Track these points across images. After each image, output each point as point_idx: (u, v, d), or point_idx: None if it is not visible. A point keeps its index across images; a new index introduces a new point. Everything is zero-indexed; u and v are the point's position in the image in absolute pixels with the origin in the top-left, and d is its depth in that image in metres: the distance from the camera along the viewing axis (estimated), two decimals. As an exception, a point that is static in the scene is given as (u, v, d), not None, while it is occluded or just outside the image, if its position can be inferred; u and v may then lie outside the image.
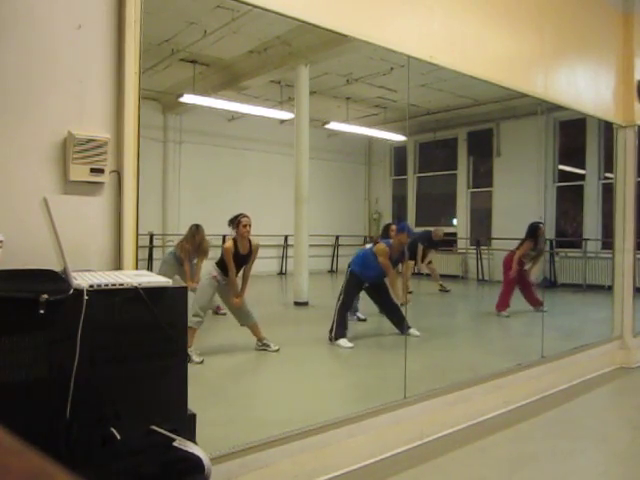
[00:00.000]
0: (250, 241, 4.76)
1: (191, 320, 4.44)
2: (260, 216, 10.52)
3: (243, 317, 4.83)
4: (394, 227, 5.98)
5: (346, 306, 5.29)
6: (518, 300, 6.68)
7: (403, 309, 5.29)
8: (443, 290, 9.01)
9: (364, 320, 6.16)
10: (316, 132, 9.92)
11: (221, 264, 4.73)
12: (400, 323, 5.15)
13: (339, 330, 5.12)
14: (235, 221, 4.74)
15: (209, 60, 8.54)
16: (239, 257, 4.72)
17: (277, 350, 4.85)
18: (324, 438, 2.69)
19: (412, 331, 5.26)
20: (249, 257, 4.78)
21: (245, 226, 4.67)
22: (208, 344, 4.86)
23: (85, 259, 2.02)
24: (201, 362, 4.40)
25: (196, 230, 5.86)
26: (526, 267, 6.75)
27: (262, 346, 4.88)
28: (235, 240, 4.72)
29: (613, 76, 5.01)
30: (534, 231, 6.65)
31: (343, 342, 5.06)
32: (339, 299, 5.27)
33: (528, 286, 6.74)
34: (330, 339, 5.14)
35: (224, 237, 4.87)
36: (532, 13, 4.11)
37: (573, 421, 3.60)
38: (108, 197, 2.11)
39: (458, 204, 12.15)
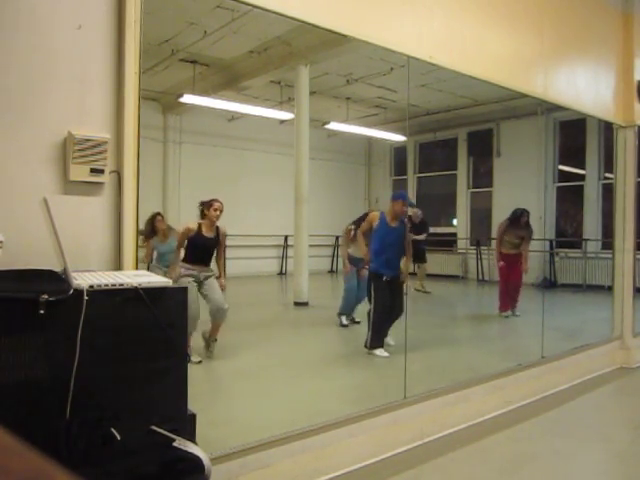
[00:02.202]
0: (218, 227, 4.56)
1: None
2: (260, 216, 10.60)
3: (219, 309, 4.47)
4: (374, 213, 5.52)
5: (379, 312, 4.82)
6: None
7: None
8: (422, 291, 8.61)
9: (358, 323, 6.03)
10: (316, 132, 9.92)
11: (188, 255, 4.53)
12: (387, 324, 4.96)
13: (375, 340, 4.77)
14: (207, 204, 4.54)
15: (209, 60, 8.54)
16: (202, 239, 4.50)
17: (199, 362, 4.41)
18: (324, 438, 2.69)
19: (387, 340, 5.00)
20: (214, 242, 4.56)
21: (216, 210, 4.47)
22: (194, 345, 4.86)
23: (85, 259, 2.02)
24: (199, 362, 4.40)
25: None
26: (510, 249, 6.66)
27: (207, 346, 4.55)
28: (200, 224, 4.53)
29: (613, 76, 5.01)
30: (516, 217, 6.60)
31: (379, 352, 4.74)
32: (370, 307, 4.90)
33: (516, 287, 6.69)
34: (366, 346, 4.82)
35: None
36: (532, 13, 4.11)
37: (573, 421, 3.60)
38: (108, 197, 2.11)
39: (458, 204, 12.16)
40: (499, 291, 6.79)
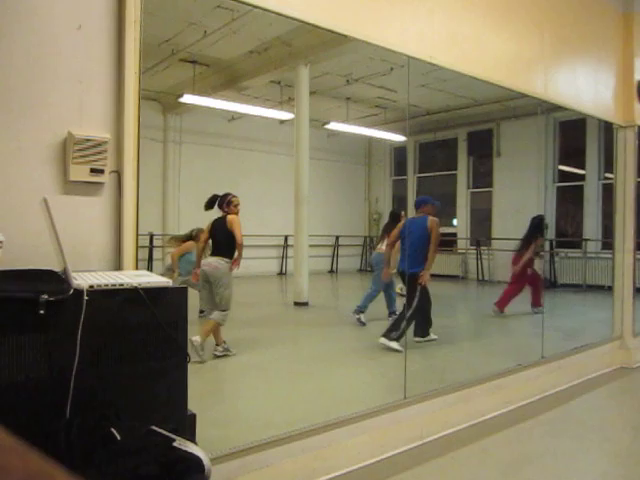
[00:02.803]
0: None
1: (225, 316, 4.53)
2: (260, 216, 10.60)
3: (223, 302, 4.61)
4: (404, 213, 5.94)
5: (424, 311, 5.05)
6: (518, 301, 6.67)
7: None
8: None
9: (364, 324, 6.05)
10: (316, 132, 9.92)
11: (228, 249, 4.65)
12: (422, 326, 5.08)
13: (400, 333, 4.86)
14: (225, 200, 4.71)
15: (209, 60, 8.54)
16: None
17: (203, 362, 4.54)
18: (324, 438, 2.69)
19: (433, 336, 5.19)
20: None
21: (236, 206, 4.72)
22: (208, 344, 4.86)
23: (85, 259, 2.02)
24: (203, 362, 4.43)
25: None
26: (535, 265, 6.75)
27: (223, 352, 4.68)
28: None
29: (613, 76, 5.01)
30: (541, 225, 6.66)
31: (395, 345, 4.83)
32: (413, 304, 4.95)
33: (540, 285, 6.76)
34: (387, 336, 4.90)
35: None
36: (532, 13, 4.11)
37: (573, 421, 3.60)
38: (108, 197, 2.11)
39: (458, 204, 12.16)
40: (508, 290, 6.73)
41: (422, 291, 4.98)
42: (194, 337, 4.41)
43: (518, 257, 6.74)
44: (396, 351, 4.73)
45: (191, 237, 5.91)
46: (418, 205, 5.28)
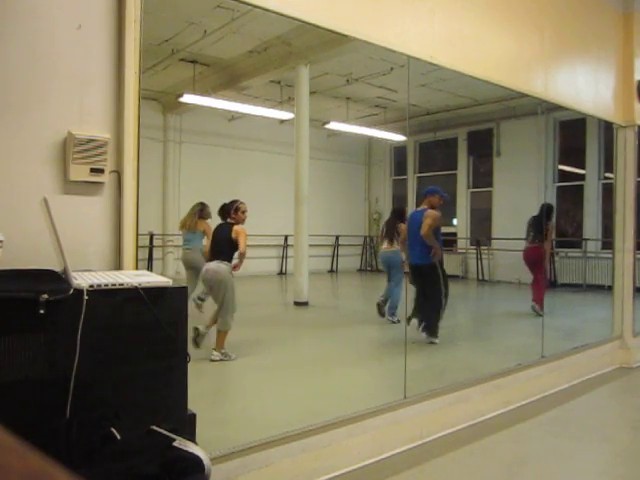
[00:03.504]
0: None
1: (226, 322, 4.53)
2: (260, 216, 10.57)
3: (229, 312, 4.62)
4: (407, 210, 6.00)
5: (438, 309, 5.14)
6: (518, 301, 6.66)
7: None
8: None
9: (398, 322, 5.98)
10: (316, 132, 9.92)
11: (228, 255, 4.67)
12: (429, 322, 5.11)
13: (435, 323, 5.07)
14: (233, 207, 4.72)
15: (209, 60, 8.54)
16: None
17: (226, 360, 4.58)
18: (324, 438, 2.69)
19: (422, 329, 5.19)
20: None
21: (244, 212, 4.73)
22: (207, 344, 4.86)
23: (85, 259, 2.02)
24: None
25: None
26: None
27: (220, 357, 4.58)
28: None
29: (613, 76, 5.00)
30: (549, 213, 6.59)
31: (435, 338, 5.05)
32: (437, 295, 5.06)
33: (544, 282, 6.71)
34: (429, 333, 5.05)
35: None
36: (532, 13, 4.11)
37: (573, 421, 3.60)
38: (108, 197, 2.11)
39: (458, 204, 12.16)
40: (539, 286, 6.60)
41: (444, 280, 5.08)
42: (212, 355, 4.50)
43: (531, 249, 6.61)
44: (432, 343, 5.02)
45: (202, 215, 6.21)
46: (424, 195, 5.29)
